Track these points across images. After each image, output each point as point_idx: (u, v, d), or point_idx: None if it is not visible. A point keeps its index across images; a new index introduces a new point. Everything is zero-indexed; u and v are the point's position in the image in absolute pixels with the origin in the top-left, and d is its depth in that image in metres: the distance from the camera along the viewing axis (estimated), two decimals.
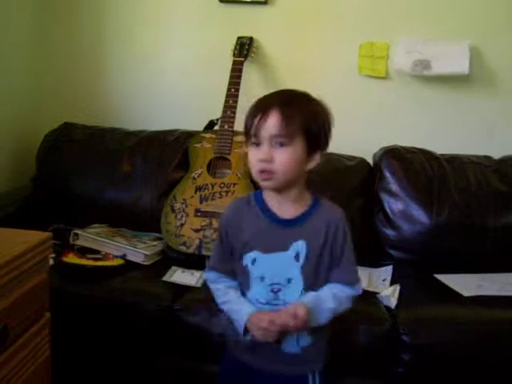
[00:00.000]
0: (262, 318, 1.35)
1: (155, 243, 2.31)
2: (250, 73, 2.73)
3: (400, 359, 1.90)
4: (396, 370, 1.91)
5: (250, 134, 1.35)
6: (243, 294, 1.44)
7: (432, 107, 2.71)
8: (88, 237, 2.25)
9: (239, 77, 2.54)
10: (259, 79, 2.78)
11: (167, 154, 2.57)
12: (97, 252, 2.20)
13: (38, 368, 1.50)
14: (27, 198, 2.61)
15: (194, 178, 2.39)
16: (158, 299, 1.97)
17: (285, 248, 1.38)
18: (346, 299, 1.42)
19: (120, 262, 2.15)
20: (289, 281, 1.38)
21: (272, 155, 1.31)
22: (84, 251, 2.19)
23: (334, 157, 2.56)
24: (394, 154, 2.50)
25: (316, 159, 1.38)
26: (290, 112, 1.32)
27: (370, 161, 2.60)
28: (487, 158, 2.55)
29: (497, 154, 2.58)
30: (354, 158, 2.58)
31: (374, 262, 2.36)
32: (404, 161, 2.48)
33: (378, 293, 2.07)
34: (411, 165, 2.46)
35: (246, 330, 1.39)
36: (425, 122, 2.74)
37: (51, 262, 1.86)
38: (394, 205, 2.43)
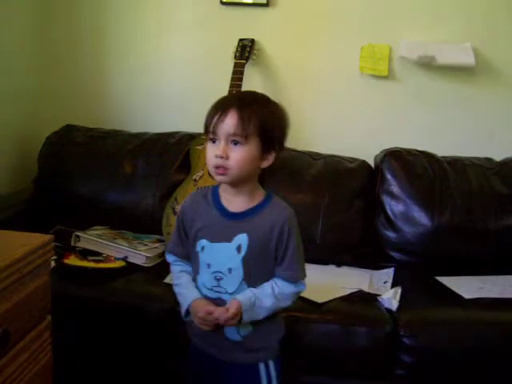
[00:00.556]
0: (200, 307, 1.45)
1: (157, 245, 2.32)
2: (251, 75, 2.73)
3: (401, 362, 1.90)
4: (397, 373, 1.92)
5: (209, 130, 1.43)
6: (194, 277, 1.53)
7: (433, 110, 2.71)
8: (89, 239, 2.25)
9: (241, 79, 2.54)
10: (261, 81, 2.78)
11: (169, 156, 2.57)
12: (98, 254, 2.20)
13: (39, 371, 1.50)
14: (29, 200, 2.61)
15: (196, 180, 2.39)
16: (160, 301, 1.97)
17: (229, 239, 1.46)
18: (286, 296, 1.49)
19: (121, 264, 2.15)
20: (230, 270, 1.46)
21: (227, 152, 1.39)
22: (85, 253, 2.19)
23: (336, 159, 2.56)
24: (395, 156, 2.50)
25: (270, 159, 1.46)
26: (247, 113, 1.39)
27: (372, 163, 2.60)
28: (488, 160, 2.55)
29: (498, 156, 2.57)
30: (355, 159, 2.57)
31: (376, 265, 2.37)
32: (405, 163, 2.47)
33: (379, 295, 2.07)
34: (412, 167, 2.46)
35: (187, 314, 1.50)
36: (426, 124, 2.73)
37: (52, 264, 1.85)
38: (396, 207, 2.42)
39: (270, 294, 1.46)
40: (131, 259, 2.19)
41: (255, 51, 2.69)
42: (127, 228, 2.46)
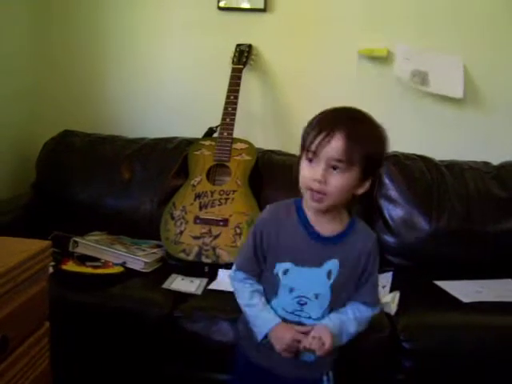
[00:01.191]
0: (286, 334, 1.38)
1: (155, 250, 2.31)
2: (249, 80, 2.74)
3: (400, 366, 1.90)
4: (396, 377, 1.91)
5: (309, 149, 1.34)
6: (267, 300, 1.46)
7: (431, 113, 2.72)
8: (87, 244, 2.25)
9: (238, 84, 2.54)
10: (258, 86, 2.79)
11: (167, 161, 2.57)
12: (96, 260, 2.20)
13: (37, 377, 1.50)
14: (27, 206, 2.60)
15: (194, 186, 2.39)
16: (158, 307, 1.97)
17: (319, 264, 1.40)
18: (365, 321, 1.47)
19: (120, 269, 2.15)
20: (316, 296, 1.41)
21: (326, 177, 1.32)
22: (83, 259, 2.18)
23: None
24: (393, 161, 2.50)
25: (366, 185, 1.39)
26: (355, 139, 1.30)
27: None
28: (486, 164, 2.55)
29: (496, 159, 2.58)
30: None
31: None
32: (403, 167, 2.48)
33: None
34: (411, 171, 2.47)
35: (265, 338, 1.42)
36: (424, 129, 2.74)
37: (51, 269, 1.85)
38: (394, 211, 2.43)
39: (353, 320, 1.43)
40: (129, 265, 2.19)
41: (253, 56, 2.69)
42: (125, 233, 2.46)
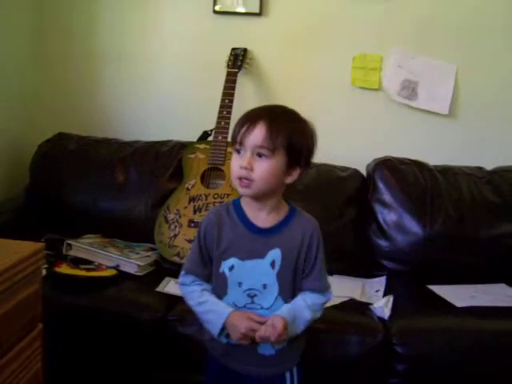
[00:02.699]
0: (241, 322, 1.42)
1: (148, 254, 2.31)
2: (243, 84, 2.74)
3: (394, 370, 1.90)
4: (390, 381, 1.91)
5: (236, 141, 1.41)
6: (219, 298, 1.49)
7: (424, 118, 2.73)
8: (81, 247, 2.25)
9: (233, 88, 2.55)
10: (253, 90, 2.79)
11: (161, 164, 2.57)
12: (90, 262, 2.19)
13: (30, 380, 1.49)
14: (20, 208, 2.60)
15: (188, 189, 2.39)
16: (152, 310, 1.96)
17: (261, 255, 1.45)
18: (318, 307, 1.51)
19: (113, 272, 2.15)
20: (264, 286, 1.45)
21: (252, 164, 1.38)
22: (77, 262, 2.18)
23: (328, 168, 2.57)
24: (387, 165, 2.51)
25: (295, 175, 1.45)
26: (276, 126, 1.38)
27: (364, 172, 2.60)
28: (479, 169, 2.56)
29: (489, 165, 2.59)
30: (347, 168, 2.58)
31: (368, 273, 2.37)
32: (397, 172, 2.48)
33: (371, 304, 2.07)
34: (404, 176, 2.47)
35: (222, 331, 1.45)
36: (417, 133, 2.75)
37: (44, 272, 1.85)
38: (388, 216, 2.43)
39: (305, 307, 1.46)
40: (123, 268, 2.19)
41: (248, 60, 2.70)
42: (119, 236, 2.46)
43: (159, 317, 1.94)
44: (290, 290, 1.47)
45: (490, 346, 1.90)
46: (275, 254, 1.44)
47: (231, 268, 1.46)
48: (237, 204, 1.50)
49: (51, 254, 2.15)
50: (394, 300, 2.09)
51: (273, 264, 1.44)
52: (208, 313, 1.49)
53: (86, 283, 2.06)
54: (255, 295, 1.45)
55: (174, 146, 2.64)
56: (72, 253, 2.24)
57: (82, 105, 2.94)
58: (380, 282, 2.28)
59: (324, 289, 1.51)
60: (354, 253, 2.43)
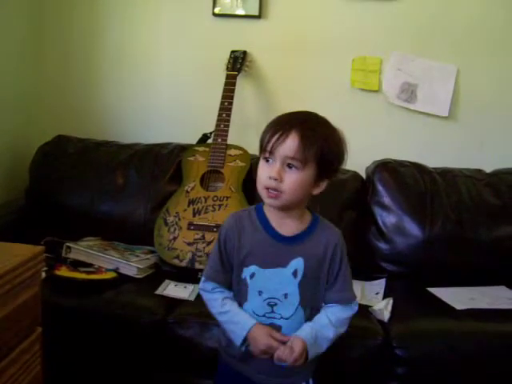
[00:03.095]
0: (262, 338, 1.39)
1: (148, 256, 2.31)
2: (243, 86, 2.74)
3: (393, 373, 1.90)
4: None
5: (265, 149, 1.36)
6: (239, 304, 1.46)
7: (423, 121, 2.73)
8: (80, 250, 2.24)
9: (232, 90, 2.55)
10: (253, 93, 2.79)
11: (160, 167, 2.57)
12: (89, 265, 2.19)
13: (29, 383, 1.49)
14: (20, 211, 2.60)
15: (187, 192, 2.39)
16: (151, 313, 1.96)
17: (283, 264, 1.41)
18: (343, 322, 1.47)
19: (113, 275, 2.14)
20: (285, 296, 1.42)
21: (282, 175, 1.34)
22: (76, 264, 2.18)
23: None
24: (386, 168, 2.51)
25: (322, 186, 1.42)
26: (309, 138, 1.34)
27: (363, 174, 2.60)
28: (479, 171, 2.57)
29: (488, 167, 2.59)
30: (346, 171, 2.57)
31: (367, 276, 2.36)
32: (396, 174, 2.48)
33: (370, 306, 2.07)
34: (404, 178, 2.47)
35: (244, 342, 1.42)
36: (417, 136, 2.75)
37: (43, 275, 1.85)
38: (387, 218, 2.43)
39: (328, 324, 1.43)
40: (122, 270, 2.18)
41: (247, 63, 2.70)
42: (119, 239, 2.45)
43: (159, 319, 1.94)
44: (311, 300, 1.45)
45: (490, 349, 1.90)
46: (298, 263, 1.41)
47: (252, 275, 1.43)
48: (259, 210, 1.47)
49: (51, 256, 2.15)
50: (394, 302, 2.09)
51: (295, 273, 1.41)
52: (230, 323, 1.46)
53: (86, 286, 2.05)
54: (275, 304, 1.42)
55: (174, 148, 2.64)
56: (71, 255, 2.23)
57: (81, 107, 2.94)
58: (380, 285, 2.28)
59: (348, 301, 1.47)
60: (353, 255, 2.38)
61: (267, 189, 1.37)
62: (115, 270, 2.17)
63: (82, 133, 2.79)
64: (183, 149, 2.60)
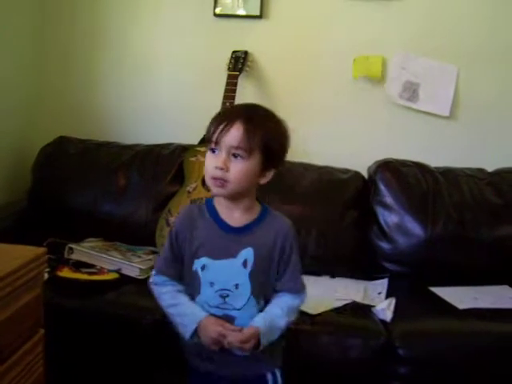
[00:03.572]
0: (211, 327, 1.40)
1: (150, 257, 2.31)
2: (244, 86, 2.74)
3: (396, 373, 1.90)
4: None
5: (211, 140, 1.39)
6: (192, 298, 1.48)
7: (425, 120, 2.72)
8: (83, 251, 2.24)
9: (234, 90, 2.55)
10: (254, 93, 2.79)
11: (162, 167, 2.57)
12: (92, 266, 2.19)
13: None
14: (22, 212, 2.60)
15: (189, 192, 2.39)
16: (153, 313, 1.95)
17: (233, 255, 1.43)
18: (293, 311, 1.48)
19: (115, 276, 2.15)
20: (236, 286, 1.43)
21: (228, 165, 1.36)
22: (79, 265, 2.18)
23: (329, 170, 2.57)
24: (388, 167, 2.51)
25: (268, 176, 1.44)
26: (253, 127, 1.36)
27: (365, 174, 2.60)
28: (481, 170, 2.56)
29: (490, 166, 2.59)
30: (348, 170, 2.58)
31: (369, 275, 2.37)
32: (398, 174, 2.48)
33: (373, 306, 2.07)
34: (406, 178, 2.47)
35: (193, 334, 1.43)
36: (419, 135, 2.74)
37: (46, 276, 1.85)
38: (389, 218, 2.43)
39: (280, 313, 1.44)
40: (124, 271, 2.18)
41: (248, 63, 2.70)
42: (120, 240, 2.45)
43: (160, 320, 1.93)
44: (263, 290, 1.46)
45: (493, 348, 1.90)
46: (247, 253, 1.42)
47: (203, 267, 1.44)
48: (209, 203, 1.49)
49: (53, 257, 2.15)
50: (396, 302, 2.08)
51: (245, 263, 1.42)
52: (181, 316, 1.47)
53: (88, 287, 2.06)
54: (227, 295, 1.43)
55: (175, 149, 2.64)
56: (74, 257, 2.24)
57: (82, 108, 2.94)
58: (382, 285, 2.28)
59: (298, 290, 1.48)
60: (355, 255, 2.42)
61: (214, 179, 1.38)
62: (117, 271, 2.17)
63: (84, 134, 2.79)
64: (185, 149, 2.59)
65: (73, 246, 2.26)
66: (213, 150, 1.40)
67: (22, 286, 1.42)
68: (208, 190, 2.35)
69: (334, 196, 2.48)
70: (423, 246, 2.37)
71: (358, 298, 2.13)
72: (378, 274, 2.39)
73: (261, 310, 1.46)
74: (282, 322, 1.45)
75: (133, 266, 2.19)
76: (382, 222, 2.44)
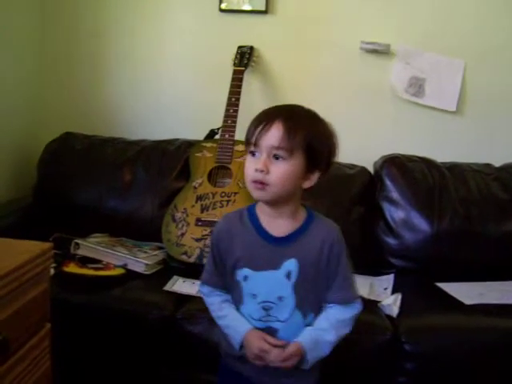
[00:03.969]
0: (255, 343, 1.36)
1: (156, 252, 2.31)
2: (250, 82, 2.74)
3: (402, 368, 1.90)
4: (398, 380, 1.91)
5: (250, 142, 1.33)
6: (237, 307, 1.44)
7: (432, 115, 2.72)
8: (89, 246, 2.25)
9: (240, 86, 2.54)
10: (260, 88, 2.79)
11: (168, 163, 2.57)
12: (98, 261, 2.19)
13: (38, 379, 1.49)
14: (28, 208, 2.61)
15: (195, 188, 2.39)
16: (160, 309, 1.96)
17: (276, 266, 1.37)
18: (345, 323, 1.42)
19: (121, 271, 2.15)
20: (280, 299, 1.38)
21: (268, 166, 1.30)
22: (85, 261, 2.18)
23: (335, 165, 2.53)
24: (394, 163, 2.50)
25: (313, 179, 1.37)
26: (293, 126, 1.30)
27: (371, 169, 2.60)
28: (487, 165, 2.55)
29: (497, 161, 2.58)
30: (354, 166, 2.58)
31: (376, 271, 2.36)
32: (405, 169, 2.47)
33: (379, 302, 2.06)
34: (412, 173, 2.46)
35: (241, 347, 1.40)
36: (425, 131, 2.74)
37: (52, 271, 1.85)
38: (395, 213, 2.42)
39: (328, 327, 1.39)
40: (131, 267, 2.19)
41: (254, 58, 2.69)
42: (126, 235, 2.46)
43: (167, 315, 1.94)
44: (309, 302, 1.40)
45: (499, 344, 1.89)
46: (291, 264, 1.36)
47: (245, 278, 1.39)
48: (251, 211, 1.43)
49: (59, 253, 2.16)
50: (403, 298, 2.08)
51: (288, 275, 1.36)
52: (228, 328, 1.44)
53: (94, 282, 2.06)
54: (270, 308, 1.38)
55: (181, 144, 2.64)
56: (80, 252, 2.24)
57: (88, 104, 2.94)
58: (388, 280, 2.28)
59: (349, 300, 1.42)
60: (361, 251, 2.41)
61: (255, 182, 1.32)
62: (123, 267, 2.17)
63: (89, 130, 2.79)
64: (190, 145, 2.59)
65: (79, 241, 2.26)
66: (253, 153, 1.33)
67: (28, 280, 1.42)
68: (213, 184, 2.38)
69: (341, 191, 2.47)
70: (429, 242, 2.36)
71: (364, 294, 2.12)
72: (384, 269, 2.39)
73: (309, 324, 1.41)
74: (330, 337, 1.39)
75: (139, 261, 2.19)
76: (388, 217, 2.44)
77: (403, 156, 2.53)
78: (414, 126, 2.74)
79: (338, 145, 1.40)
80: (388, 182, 2.46)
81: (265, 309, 1.38)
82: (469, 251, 2.35)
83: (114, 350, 1.99)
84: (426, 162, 2.51)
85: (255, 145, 1.32)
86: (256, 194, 1.34)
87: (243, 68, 2.61)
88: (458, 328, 1.95)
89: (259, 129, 1.31)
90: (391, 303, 2.03)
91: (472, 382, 1.91)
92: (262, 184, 1.31)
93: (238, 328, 1.40)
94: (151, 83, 2.90)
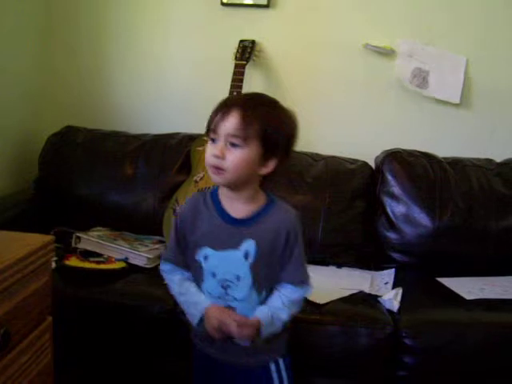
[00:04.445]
0: (214, 316, 1.42)
1: (157, 246, 2.31)
2: (252, 76, 2.73)
3: (402, 363, 1.90)
4: (398, 374, 1.91)
5: (210, 128, 1.39)
6: (197, 285, 1.49)
7: (434, 110, 2.71)
8: (90, 240, 2.25)
9: (241, 80, 2.54)
10: (261, 82, 2.78)
11: (169, 157, 2.57)
12: (99, 255, 2.20)
13: (39, 372, 1.50)
14: (29, 201, 2.60)
15: (196, 181, 2.39)
16: (161, 302, 1.96)
17: (235, 246, 1.42)
18: (295, 303, 1.47)
19: (122, 265, 2.15)
20: (238, 278, 1.43)
21: (225, 153, 1.35)
22: (86, 254, 2.19)
23: (336, 160, 2.56)
24: (396, 157, 2.50)
25: (270, 166, 1.41)
26: (249, 115, 1.35)
27: (372, 164, 2.60)
28: (489, 161, 2.55)
29: (499, 156, 2.57)
30: (355, 161, 2.57)
31: (377, 266, 2.37)
32: (406, 164, 2.47)
33: (380, 296, 2.07)
34: (413, 168, 2.46)
35: (200, 322, 1.46)
36: (427, 125, 2.74)
37: (53, 265, 1.86)
38: (396, 208, 2.42)
39: (282, 307, 1.44)
40: (132, 260, 2.19)
41: (256, 52, 2.69)
42: (128, 229, 2.46)
43: (169, 309, 1.94)
44: (266, 282, 1.45)
45: (500, 339, 1.90)
46: (249, 245, 1.41)
47: (206, 257, 1.44)
48: (214, 193, 1.48)
49: (60, 246, 2.16)
50: (403, 292, 2.09)
51: (246, 255, 1.41)
52: (187, 304, 1.50)
53: (96, 276, 2.07)
54: (229, 286, 1.43)
55: (183, 138, 2.64)
56: (81, 245, 2.24)
57: (90, 98, 2.94)
58: (389, 275, 2.28)
59: (301, 282, 1.47)
60: (362, 245, 2.42)
61: (211, 167, 1.38)
62: (125, 260, 2.18)
63: (91, 123, 2.79)
64: (192, 139, 2.59)
65: (80, 234, 2.26)
66: (213, 140, 1.39)
67: (30, 273, 1.42)
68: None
69: (342, 186, 2.47)
70: (431, 237, 2.36)
71: (365, 288, 2.13)
72: (385, 264, 2.39)
73: (263, 302, 1.46)
74: (283, 315, 1.45)
75: (140, 255, 2.20)
76: (389, 212, 2.44)
77: (404, 151, 2.53)
78: (416, 121, 2.74)
79: (297, 132, 1.43)
80: (389, 177, 2.46)
81: (223, 287, 1.44)
82: (470, 246, 2.36)
83: (116, 343, 1.99)
84: (428, 157, 2.51)
85: (214, 132, 1.37)
86: (214, 178, 1.40)
87: (245, 62, 2.60)
88: (458, 323, 1.95)
89: (218, 116, 1.37)
90: (392, 298, 2.03)
91: (472, 377, 1.91)
92: (218, 169, 1.37)
93: (199, 303, 1.46)
94: (153, 77, 2.89)
